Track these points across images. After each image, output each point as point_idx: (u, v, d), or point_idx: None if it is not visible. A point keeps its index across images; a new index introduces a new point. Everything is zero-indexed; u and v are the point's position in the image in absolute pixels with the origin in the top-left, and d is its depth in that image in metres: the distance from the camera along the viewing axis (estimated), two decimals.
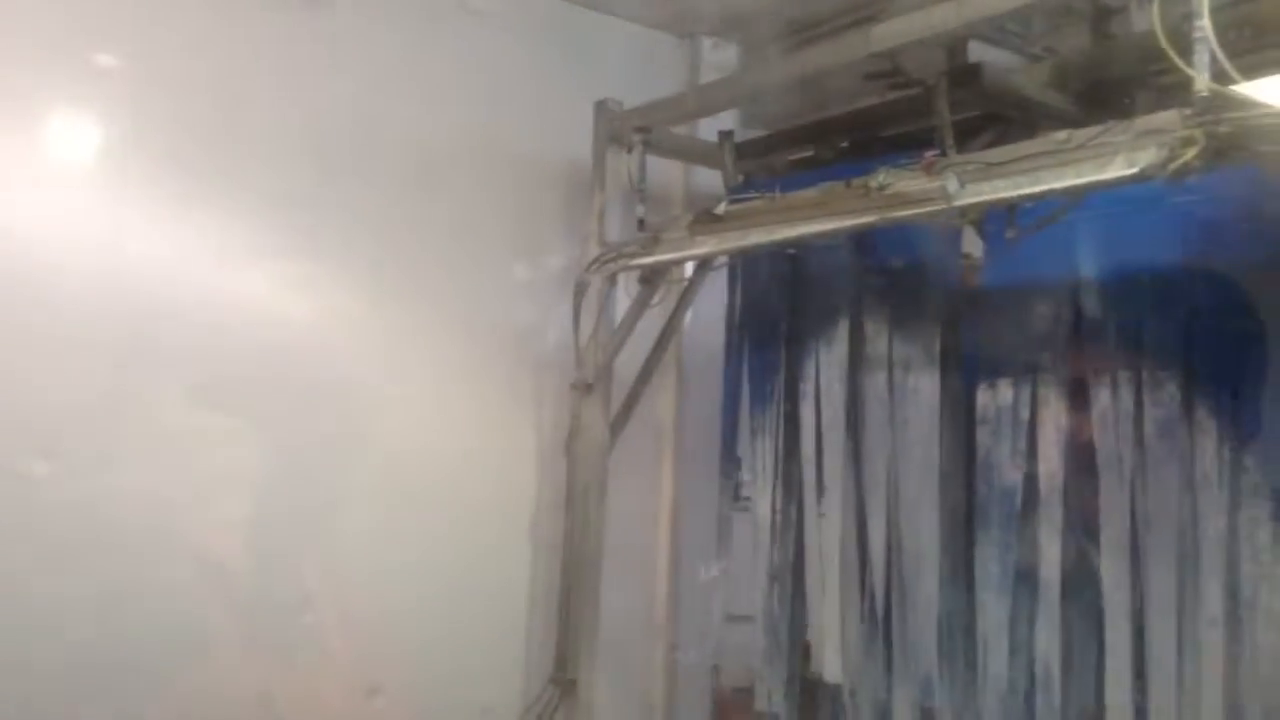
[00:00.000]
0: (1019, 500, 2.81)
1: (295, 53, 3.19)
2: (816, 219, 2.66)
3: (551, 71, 3.65)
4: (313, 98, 3.21)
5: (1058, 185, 2.23)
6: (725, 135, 3.40)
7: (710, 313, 3.69)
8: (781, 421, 3.43)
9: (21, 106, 2.82)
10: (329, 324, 3.23)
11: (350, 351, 3.28)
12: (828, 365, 3.28)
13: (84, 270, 2.84)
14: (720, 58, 4.01)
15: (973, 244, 2.97)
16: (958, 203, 2.37)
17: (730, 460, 3.60)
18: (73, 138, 2.95)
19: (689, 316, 3.66)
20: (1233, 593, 2.42)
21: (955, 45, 2.74)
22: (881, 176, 2.50)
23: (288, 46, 3.18)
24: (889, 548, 3.11)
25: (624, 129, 3.39)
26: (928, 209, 2.42)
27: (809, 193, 2.70)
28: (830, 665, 3.23)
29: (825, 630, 3.24)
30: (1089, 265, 2.75)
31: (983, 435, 2.89)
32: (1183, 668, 2.49)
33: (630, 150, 3.34)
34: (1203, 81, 1.97)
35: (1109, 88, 2.69)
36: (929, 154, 2.50)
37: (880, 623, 3.12)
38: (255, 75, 3.12)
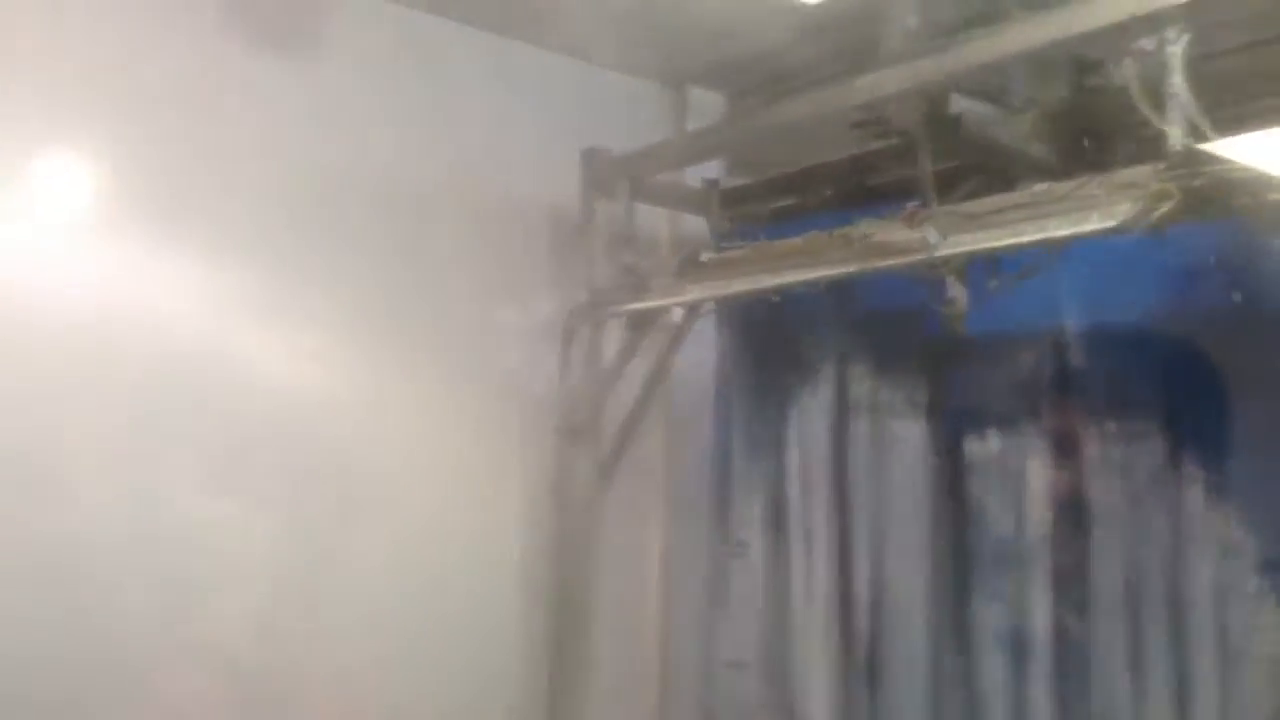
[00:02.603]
0: (1011, 549, 2.81)
1: (280, 102, 3.21)
2: (800, 268, 2.69)
3: (540, 120, 3.67)
4: (299, 147, 3.23)
5: (1036, 237, 2.26)
6: (711, 183, 3.44)
7: (698, 357, 3.69)
8: (768, 467, 3.44)
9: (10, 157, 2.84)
10: (315, 373, 3.22)
11: (335, 400, 3.27)
12: (812, 412, 3.30)
13: (67, 318, 2.85)
14: (706, 104, 4.05)
15: (956, 292, 2.99)
16: (938, 254, 2.39)
17: (721, 506, 3.60)
18: (61, 188, 2.96)
19: (677, 361, 3.67)
20: (1223, 640, 2.42)
21: (937, 96, 2.78)
22: (863, 227, 2.53)
23: (272, 96, 3.20)
24: (874, 595, 3.11)
25: (611, 176, 3.42)
26: (908, 259, 2.44)
27: (792, 242, 2.73)
28: (817, 714, 3.22)
29: (811, 678, 3.23)
30: (1073, 314, 2.78)
31: (973, 485, 2.89)
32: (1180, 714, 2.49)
33: (617, 197, 3.35)
34: (1177, 137, 2.01)
35: (1089, 139, 2.73)
36: (910, 205, 2.53)
37: (865, 671, 3.11)
38: (241, 125, 3.14)
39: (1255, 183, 1.92)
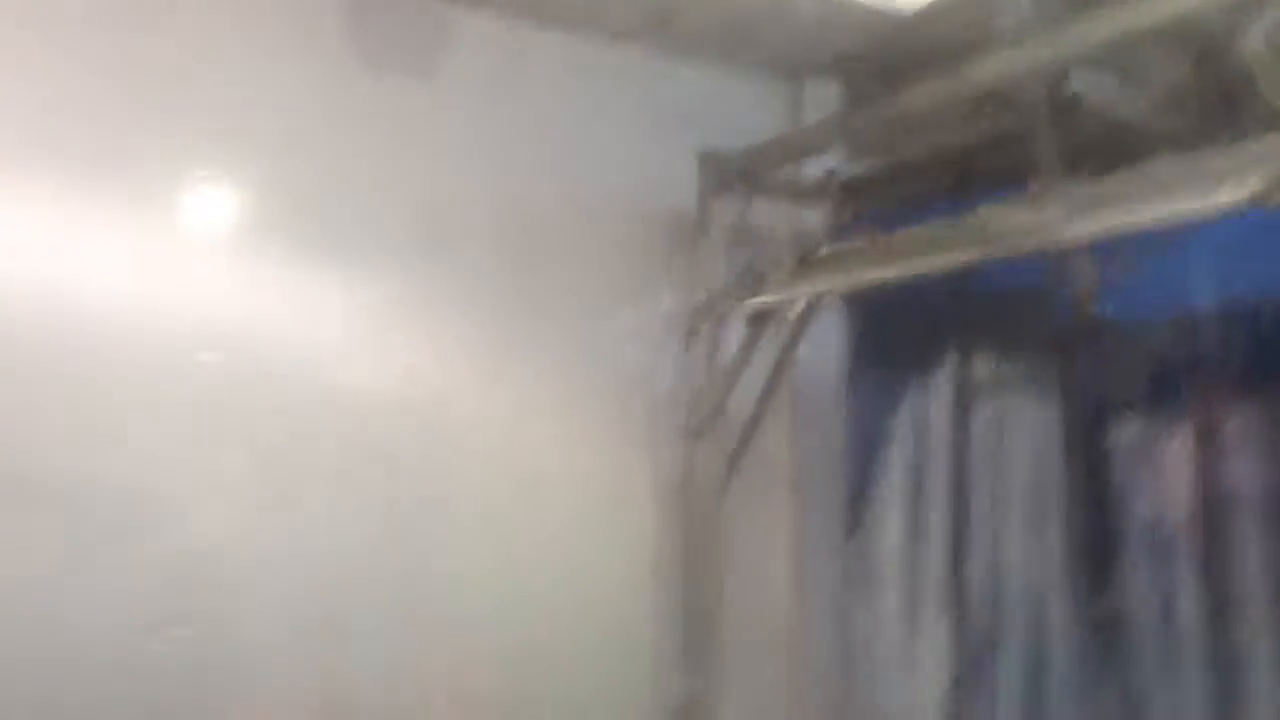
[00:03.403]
0: (1158, 536, 2.74)
1: (404, 127, 3.34)
2: (920, 257, 2.66)
3: (656, 122, 3.72)
4: (424, 168, 3.35)
5: (1163, 213, 2.19)
6: (829, 174, 3.43)
7: (820, 351, 3.69)
8: (899, 458, 3.41)
9: (150, 186, 3.02)
10: (447, 386, 3.35)
11: (466, 405, 3.38)
12: (942, 399, 3.26)
13: (210, 340, 3.03)
14: (823, 96, 4.04)
15: (1084, 272, 2.92)
16: (1066, 235, 2.35)
17: (852, 498, 3.59)
18: (197, 213, 3.14)
19: (800, 356, 3.66)
20: None
21: (1056, 76, 2.72)
22: (985, 212, 2.50)
23: (397, 122, 3.33)
24: (995, 589, 3.07)
25: (728, 175, 3.44)
26: (1032, 241, 2.40)
27: (915, 232, 2.71)
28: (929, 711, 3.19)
29: (923, 676, 3.20)
30: (1211, 293, 2.68)
31: (1116, 472, 2.82)
32: None
33: (734, 196, 3.37)
34: None
35: (1219, 110, 2.63)
36: (1033, 187, 2.49)
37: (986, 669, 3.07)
38: (368, 151, 3.27)
39: None
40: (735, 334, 3.53)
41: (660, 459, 3.65)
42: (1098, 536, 2.89)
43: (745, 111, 3.88)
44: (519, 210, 3.49)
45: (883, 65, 3.74)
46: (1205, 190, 2.11)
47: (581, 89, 3.63)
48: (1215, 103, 2.65)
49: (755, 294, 3.17)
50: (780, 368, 3.58)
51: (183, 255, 3.05)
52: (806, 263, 2.96)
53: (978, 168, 3.19)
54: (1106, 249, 2.64)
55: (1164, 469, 2.78)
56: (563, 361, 3.54)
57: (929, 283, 3.01)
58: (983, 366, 3.17)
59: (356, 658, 3.11)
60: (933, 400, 3.29)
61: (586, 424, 3.58)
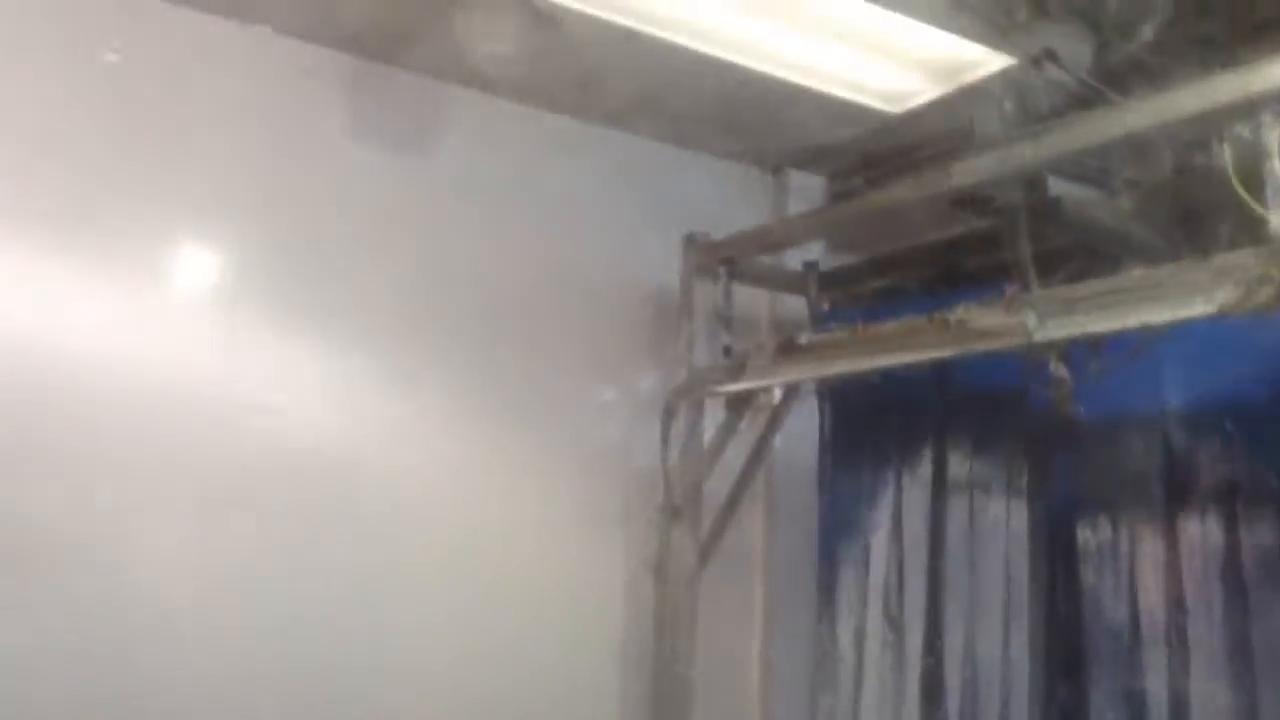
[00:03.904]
0: (1127, 639, 2.74)
1: (392, 197, 3.39)
2: (898, 351, 2.69)
3: (641, 205, 3.79)
4: (410, 238, 3.39)
5: (1137, 322, 2.23)
6: (810, 266, 3.48)
7: (799, 438, 3.72)
8: (870, 551, 3.42)
9: (137, 243, 3.03)
10: (422, 456, 3.35)
11: (436, 478, 3.37)
12: (916, 494, 3.28)
13: (190, 401, 3.02)
14: (806, 187, 4.12)
15: (1060, 374, 2.96)
16: (1037, 338, 2.38)
17: (823, 589, 3.58)
18: (181, 273, 3.16)
19: (777, 441, 3.68)
20: None
21: (1035, 180, 2.79)
22: (961, 311, 2.54)
23: (386, 192, 3.38)
24: (966, 688, 3.06)
25: (711, 260, 3.49)
26: (1007, 343, 2.44)
27: (890, 325, 2.74)
28: None
29: None
30: (1181, 397, 2.73)
31: (1086, 573, 2.84)
32: None
33: (716, 280, 3.42)
34: (1277, 222, 1.99)
35: (1192, 220, 2.70)
36: (1009, 289, 2.53)
37: None
38: (355, 220, 3.31)
39: None
40: (713, 417, 3.54)
41: (633, 539, 3.65)
42: (1066, 637, 2.89)
43: (729, 198, 3.96)
44: (502, 286, 3.53)
45: (865, 160, 3.83)
46: (1178, 301, 2.16)
47: (569, 169, 3.70)
48: (1189, 213, 2.73)
49: (735, 378, 3.19)
50: (757, 453, 3.60)
51: (162, 315, 3.05)
52: (786, 350, 2.98)
53: (956, 265, 3.27)
54: (1084, 349, 2.68)
55: (1134, 571, 2.80)
56: (539, 437, 3.55)
57: (907, 376, 3.05)
58: (958, 462, 3.19)
59: None
60: (907, 493, 3.30)
61: (561, 501, 3.58)
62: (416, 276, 3.39)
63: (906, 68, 2.59)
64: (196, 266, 3.18)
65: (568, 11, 2.65)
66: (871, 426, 3.46)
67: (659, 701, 3.42)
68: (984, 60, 2.69)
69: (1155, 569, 2.74)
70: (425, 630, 3.27)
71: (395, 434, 3.31)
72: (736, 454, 3.60)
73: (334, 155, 3.32)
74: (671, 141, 3.88)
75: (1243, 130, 2.07)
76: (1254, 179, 2.10)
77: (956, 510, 3.16)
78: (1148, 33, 2.68)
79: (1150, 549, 2.76)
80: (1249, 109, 2.07)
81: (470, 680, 3.30)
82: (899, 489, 3.32)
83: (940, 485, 3.22)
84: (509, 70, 3.25)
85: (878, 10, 2.49)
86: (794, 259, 3.75)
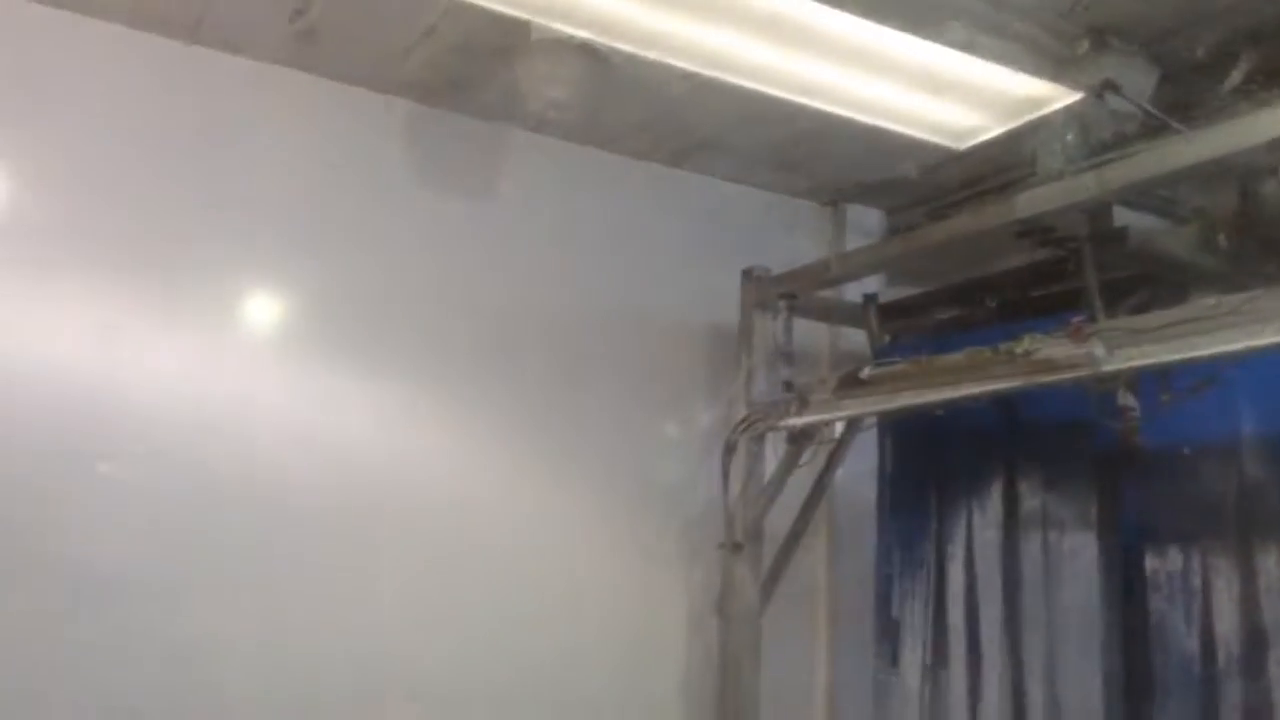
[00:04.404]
0: (1197, 671, 2.69)
1: (457, 236, 3.46)
2: (961, 383, 2.68)
3: (702, 241, 3.83)
4: (473, 278, 3.46)
5: (1208, 352, 2.21)
6: (870, 299, 3.48)
7: (860, 471, 3.70)
8: (933, 585, 3.38)
9: (208, 278, 3.12)
10: (485, 494, 3.40)
11: (502, 514, 3.41)
12: (980, 527, 3.25)
13: (253, 439, 3.09)
14: (865, 220, 4.13)
15: (1129, 405, 2.93)
16: (1105, 369, 2.37)
17: (885, 624, 3.55)
18: (247, 316, 3.24)
19: (839, 475, 3.67)
20: None
21: (1099, 209, 2.78)
22: (1028, 342, 2.52)
23: (451, 232, 3.45)
24: (1041, 717, 3.01)
25: (770, 295, 3.50)
26: (1074, 374, 2.42)
27: (954, 357, 2.73)
28: None
29: None
30: (1252, 424, 2.68)
31: (1156, 601, 2.79)
32: None
33: (776, 316, 3.43)
34: None
35: (1259, 249, 2.67)
36: (1075, 319, 2.51)
37: None
38: (421, 260, 3.39)
39: None
40: (773, 451, 3.54)
41: (695, 575, 3.65)
42: (1138, 670, 2.84)
43: (788, 232, 3.99)
44: (567, 322, 3.58)
45: (923, 193, 3.84)
46: (1252, 329, 2.13)
47: (630, 208, 3.75)
48: (1256, 242, 2.70)
49: (796, 412, 3.19)
50: (819, 487, 3.58)
51: (227, 358, 3.12)
52: (848, 384, 2.98)
53: (1018, 297, 3.25)
54: (1152, 379, 2.65)
55: (1205, 602, 2.74)
56: (602, 473, 3.57)
57: (971, 408, 3.03)
58: (1026, 494, 3.15)
59: None
60: (976, 526, 3.26)
61: (623, 536, 3.59)
62: (481, 316, 3.45)
63: (971, 105, 2.59)
64: (262, 309, 3.26)
65: (627, 56, 2.69)
66: (934, 459, 3.44)
67: None
68: (1050, 96, 2.69)
69: (1229, 599, 2.68)
70: (485, 667, 3.28)
71: (458, 470, 3.36)
72: (797, 489, 3.59)
73: (399, 199, 3.39)
74: (730, 178, 3.92)
75: None
76: None
77: (1027, 542, 3.12)
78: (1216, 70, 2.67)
79: (1223, 579, 2.70)
80: None
81: (536, 709, 3.31)
82: (968, 522, 3.28)
83: (1009, 517, 3.18)
84: (570, 114, 3.30)
85: (941, 49, 2.50)
86: (853, 292, 3.76)
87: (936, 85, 2.46)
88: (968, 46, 2.51)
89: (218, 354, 3.10)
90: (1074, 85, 2.69)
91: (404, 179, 3.41)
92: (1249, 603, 2.63)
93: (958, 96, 2.63)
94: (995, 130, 2.67)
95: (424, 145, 3.45)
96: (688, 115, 3.42)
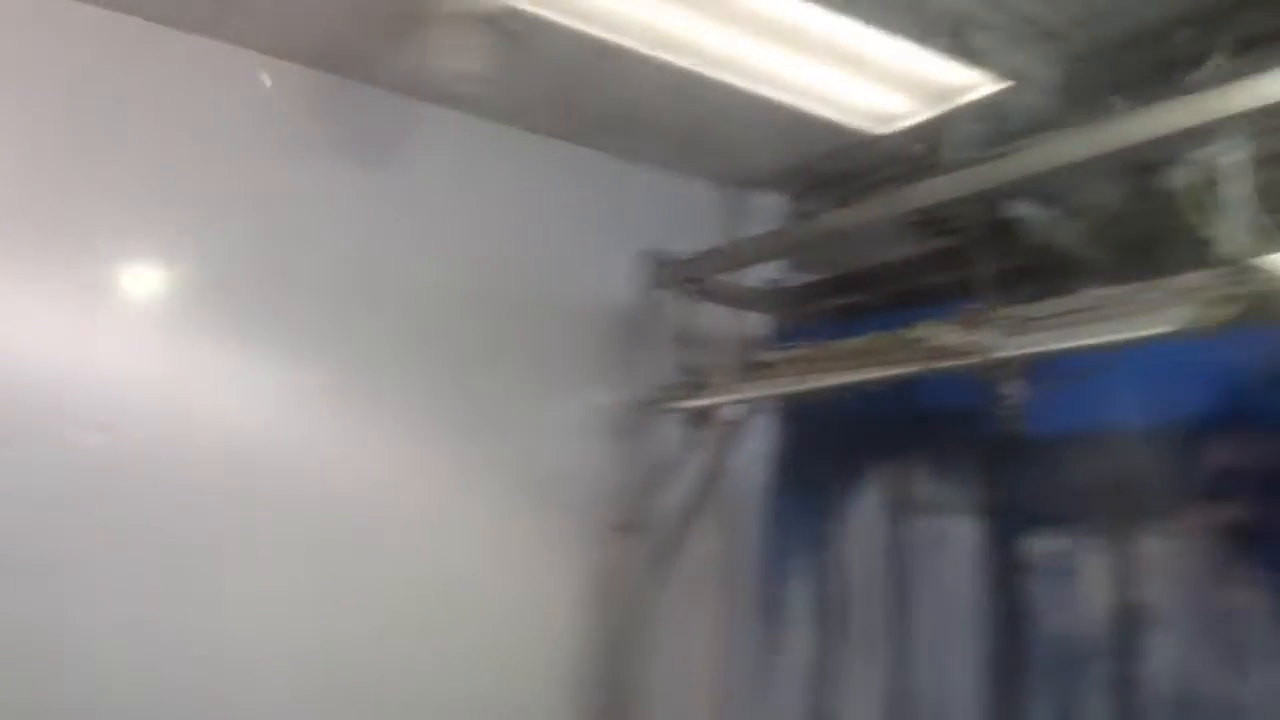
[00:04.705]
0: (1069, 650, 2.77)
1: (356, 209, 3.35)
2: (861, 368, 2.71)
3: (604, 222, 3.78)
4: (371, 251, 3.36)
5: (1097, 341, 2.27)
6: (772, 283, 3.49)
7: (754, 456, 3.72)
8: (819, 567, 3.43)
9: (87, 247, 2.97)
10: (374, 469, 3.30)
11: (384, 491, 3.32)
12: (867, 510, 3.30)
13: (143, 409, 2.95)
14: (767, 206, 4.14)
15: (1014, 394, 2.99)
16: (996, 356, 2.41)
17: (770, 605, 3.58)
18: (134, 286, 3.08)
19: (733, 459, 3.68)
20: None
21: (996, 201, 2.83)
22: (923, 329, 2.56)
23: (345, 202, 3.34)
24: (925, 694, 3.07)
25: (672, 277, 3.49)
26: (968, 361, 2.46)
27: (853, 342, 2.76)
28: None
29: None
30: (1129, 414, 2.77)
31: (1033, 583, 2.87)
32: None
33: (678, 299, 3.42)
34: (1237, 244, 2.03)
35: (1146, 242, 2.74)
36: (969, 307, 2.56)
37: None
38: (314, 226, 3.27)
39: None
40: (669, 432, 3.54)
41: (588, 555, 3.62)
42: (1014, 648, 2.92)
43: (692, 216, 3.96)
44: (464, 300, 3.49)
45: (826, 180, 3.86)
46: (1139, 320, 2.19)
47: (533, 185, 3.68)
48: (1143, 235, 2.77)
49: (697, 395, 3.19)
50: (714, 469, 3.60)
51: (112, 328, 2.98)
52: (749, 367, 2.99)
53: (917, 283, 3.29)
54: (1035, 369, 2.72)
55: (1080, 584, 2.83)
56: (496, 453, 3.51)
57: (864, 394, 3.06)
58: (911, 480, 3.21)
59: None
60: (861, 510, 3.32)
61: (516, 517, 3.54)
62: (375, 292, 3.35)
63: (893, 89, 2.58)
64: (150, 279, 3.11)
65: (536, 21, 2.64)
66: (825, 444, 3.48)
67: (611, 717, 3.39)
68: (971, 84, 2.68)
69: (1102, 581, 2.77)
70: (375, 646, 3.21)
71: (348, 448, 3.26)
72: (692, 471, 3.60)
73: (297, 170, 3.28)
74: (637, 158, 3.88)
75: (1198, 155, 2.11)
76: (1211, 202, 2.13)
77: (911, 526, 3.18)
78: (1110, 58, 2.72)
79: (1097, 562, 2.79)
80: (1205, 135, 2.11)
81: (421, 697, 3.25)
82: (855, 505, 3.33)
83: (895, 501, 3.24)
84: (475, 87, 3.23)
85: (864, 29, 2.45)
86: (755, 277, 3.77)
87: (858, 66, 2.43)
88: (888, 26, 2.49)
89: (94, 325, 2.95)
90: (998, 76, 2.69)
91: (305, 149, 3.29)
92: (1121, 584, 2.72)
93: (883, 80, 2.61)
94: (916, 117, 2.65)
95: (327, 115, 3.33)
96: (595, 90, 3.37)
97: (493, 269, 3.57)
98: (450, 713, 3.28)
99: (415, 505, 3.36)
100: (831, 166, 3.68)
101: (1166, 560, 2.62)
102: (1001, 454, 3.03)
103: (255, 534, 3.07)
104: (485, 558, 3.47)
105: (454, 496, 3.44)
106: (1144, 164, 2.78)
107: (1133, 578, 2.69)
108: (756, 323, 3.69)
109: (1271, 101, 2.06)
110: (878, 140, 3.23)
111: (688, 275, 3.44)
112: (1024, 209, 2.92)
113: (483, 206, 3.58)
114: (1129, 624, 2.67)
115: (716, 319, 3.85)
